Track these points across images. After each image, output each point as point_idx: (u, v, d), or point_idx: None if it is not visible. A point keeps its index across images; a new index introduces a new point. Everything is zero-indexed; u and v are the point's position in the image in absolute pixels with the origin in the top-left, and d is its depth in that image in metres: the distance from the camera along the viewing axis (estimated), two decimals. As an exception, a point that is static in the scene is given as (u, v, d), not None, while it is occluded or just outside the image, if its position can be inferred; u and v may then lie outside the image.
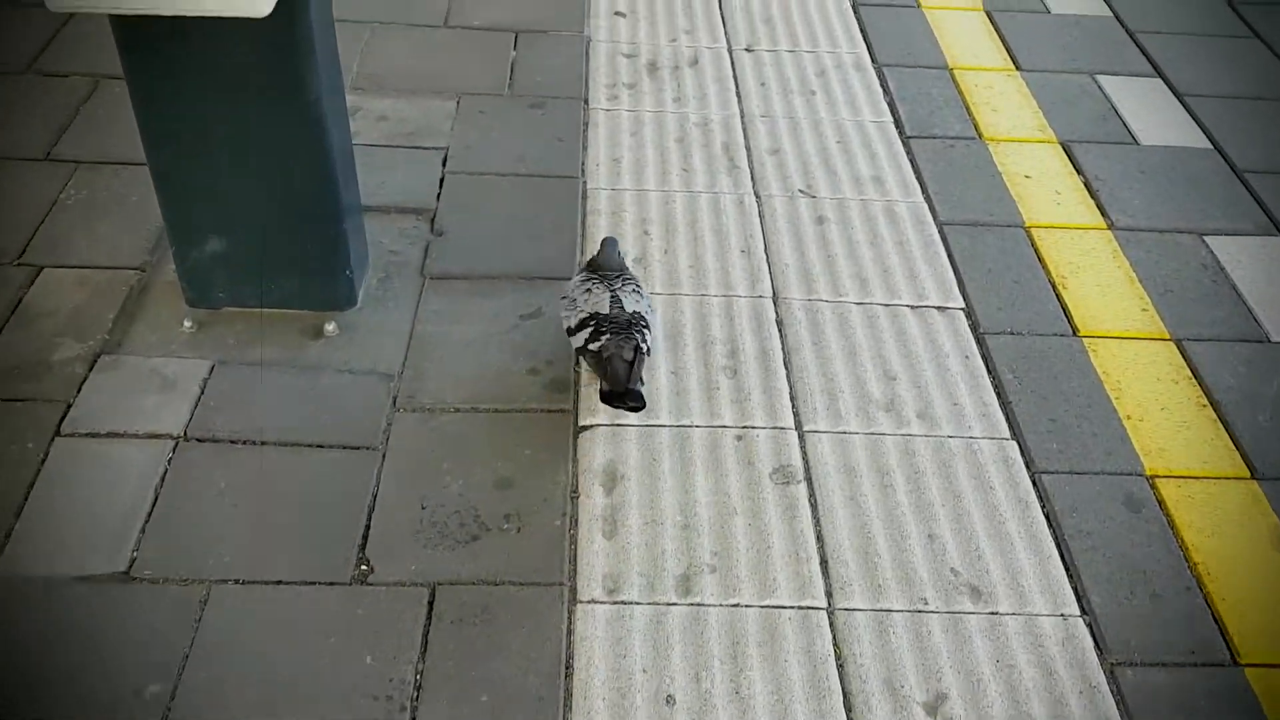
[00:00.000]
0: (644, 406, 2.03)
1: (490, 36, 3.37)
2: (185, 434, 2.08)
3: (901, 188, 2.85)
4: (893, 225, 2.72)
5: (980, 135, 3.10)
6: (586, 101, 3.11)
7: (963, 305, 2.51)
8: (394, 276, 2.47)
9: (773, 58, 3.37)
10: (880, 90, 3.25)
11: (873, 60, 3.40)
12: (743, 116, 3.10)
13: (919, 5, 3.72)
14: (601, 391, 2.05)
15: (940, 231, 2.72)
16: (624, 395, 2.00)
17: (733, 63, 3.34)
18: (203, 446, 2.06)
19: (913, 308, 2.48)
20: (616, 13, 3.56)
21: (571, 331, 2.11)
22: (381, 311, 2.38)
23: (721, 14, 3.58)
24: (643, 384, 2.03)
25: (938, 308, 2.49)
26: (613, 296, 2.09)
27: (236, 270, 2.28)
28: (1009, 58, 3.46)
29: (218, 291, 2.32)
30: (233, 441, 2.07)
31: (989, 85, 3.32)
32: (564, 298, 2.18)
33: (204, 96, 2.03)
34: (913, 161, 2.96)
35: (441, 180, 2.78)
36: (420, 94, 3.09)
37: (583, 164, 2.87)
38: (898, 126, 3.10)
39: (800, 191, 2.81)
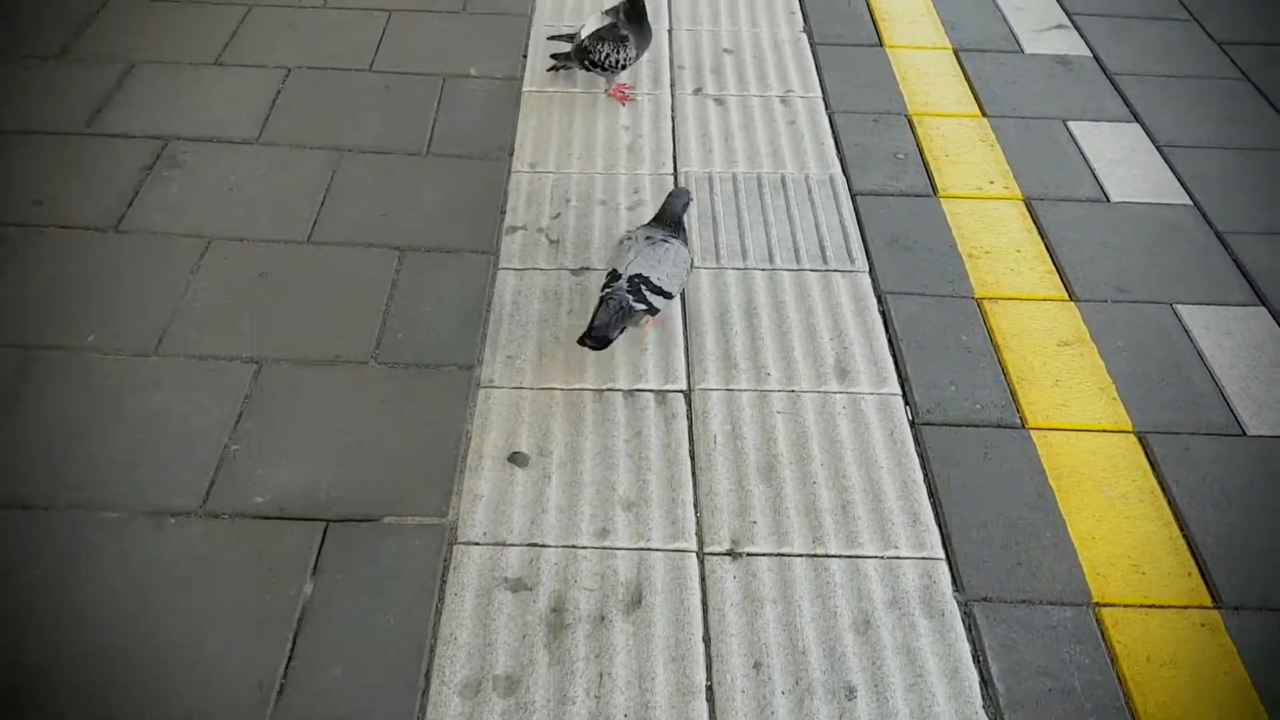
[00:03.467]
0: (600, 349, 2.17)
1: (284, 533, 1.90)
2: None
3: None
4: None
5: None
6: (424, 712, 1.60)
7: None
8: None
9: (773, 567, 1.86)
10: None
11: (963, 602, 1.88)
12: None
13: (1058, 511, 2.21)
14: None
15: None
16: (588, 334, 2.14)
17: (704, 588, 1.84)
18: None
19: None
20: (513, 456, 2.08)
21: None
22: None
23: (694, 472, 2.07)
24: (620, 332, 2.17)
25: None
26: (634, 256, 2.21)
27: None
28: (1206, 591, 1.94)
29: None
30: None
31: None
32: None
33: None
34: None
35: None
36: None
37: None
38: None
39: None
